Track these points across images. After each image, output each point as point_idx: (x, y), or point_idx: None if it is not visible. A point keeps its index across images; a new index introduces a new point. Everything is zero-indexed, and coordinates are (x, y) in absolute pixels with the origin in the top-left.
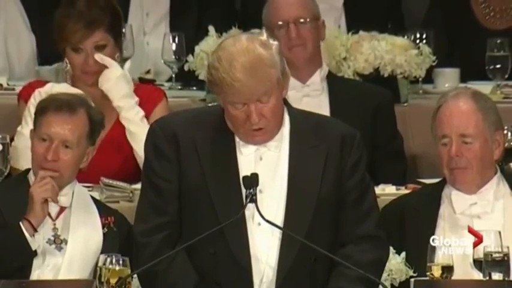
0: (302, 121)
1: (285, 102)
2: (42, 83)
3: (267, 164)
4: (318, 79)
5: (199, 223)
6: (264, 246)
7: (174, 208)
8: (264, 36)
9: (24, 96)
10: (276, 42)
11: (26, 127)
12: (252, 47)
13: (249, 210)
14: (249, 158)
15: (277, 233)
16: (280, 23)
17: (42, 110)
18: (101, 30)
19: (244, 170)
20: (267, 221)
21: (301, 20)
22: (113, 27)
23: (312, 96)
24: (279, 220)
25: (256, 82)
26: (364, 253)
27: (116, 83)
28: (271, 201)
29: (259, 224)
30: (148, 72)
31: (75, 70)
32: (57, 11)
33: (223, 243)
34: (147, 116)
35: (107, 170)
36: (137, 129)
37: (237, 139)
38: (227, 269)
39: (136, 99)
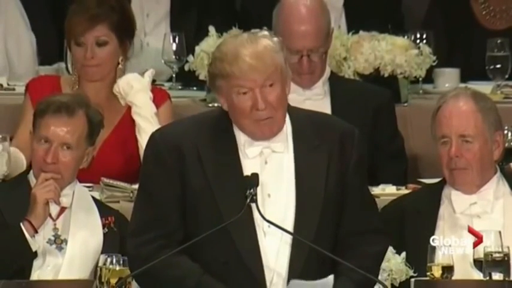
0: (303, 120)
1: None
2: (50, 78)
3: (272, 167)
4: (320, 84)
5: (204, 230)
6: (274, 250)
7: (171, 219)
8: (265, 32)
9: (31, 90)
10: (277, 38)
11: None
12: (254, 39)
13: (257, 214)
14: (254, 162)
15: (287, 239)
16: (293, 50)
17: (40, 112)
18: (104, 26)
19: None
20: (269, 222)
21: (314, 50)
22: (119, 27)
23: (313, 100)
24: (289, 223)
25: (262, 64)
26: (370, 245)
27: (130, 80)
28: (280, 204)
29: (268, 226)
30: None
31: (77, 65)
32: (70, 7)
33: (234, 251)
34: None
35: (110, 170)
36: (147, 126)
37: (241, 142)
38: (239, 277)
39: (151, 95)
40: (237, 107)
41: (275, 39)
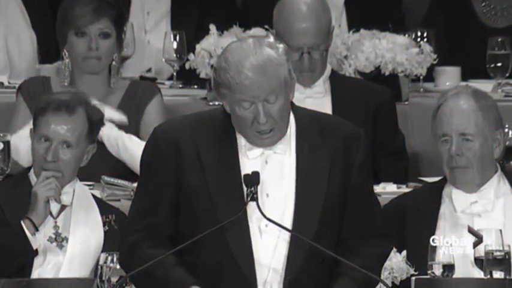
0: (307, 121)
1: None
2: (41, 78)
3: (273, 167)
4: (321, 82)
5: (200, 227)
6: (270, 249)
7: (160, 212)
8: (271, 39)
9: (23, 90)
10: (282, 45)
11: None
12: (259, 48)
13: (255, 214)
14: (254, 162)
15: (285, 237)
16: (294, 47)
17: (41, 110)
18: (107, 19)
19: None
20: (270, 220)
21: (315, 48)
22: (118, 23)
23: (314, 98)
24: (287, 223)
25: (265, 79)
26: (372, 247)
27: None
28: (278, 204)
29: (266, 225)
30: (149, 70)
31: (77, 57)
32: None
33: (227, 250)
34: (141, 111)
35: (109, 168)
36: (129, 145)
37: (242, 143)
38: (231, 276)
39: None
40: (239, 118)
41: (280, 47)
